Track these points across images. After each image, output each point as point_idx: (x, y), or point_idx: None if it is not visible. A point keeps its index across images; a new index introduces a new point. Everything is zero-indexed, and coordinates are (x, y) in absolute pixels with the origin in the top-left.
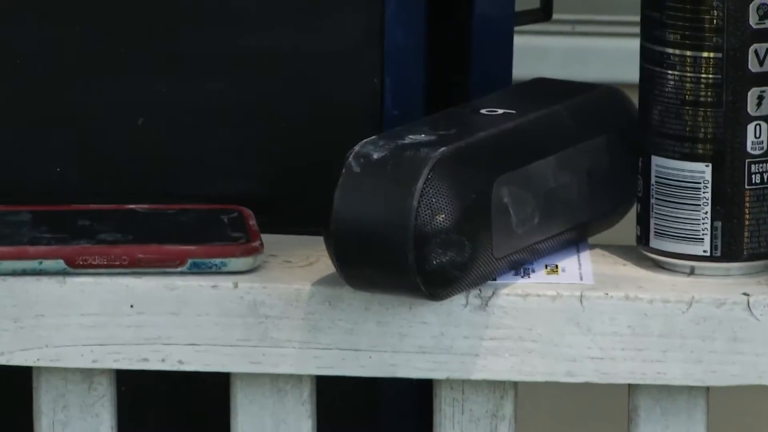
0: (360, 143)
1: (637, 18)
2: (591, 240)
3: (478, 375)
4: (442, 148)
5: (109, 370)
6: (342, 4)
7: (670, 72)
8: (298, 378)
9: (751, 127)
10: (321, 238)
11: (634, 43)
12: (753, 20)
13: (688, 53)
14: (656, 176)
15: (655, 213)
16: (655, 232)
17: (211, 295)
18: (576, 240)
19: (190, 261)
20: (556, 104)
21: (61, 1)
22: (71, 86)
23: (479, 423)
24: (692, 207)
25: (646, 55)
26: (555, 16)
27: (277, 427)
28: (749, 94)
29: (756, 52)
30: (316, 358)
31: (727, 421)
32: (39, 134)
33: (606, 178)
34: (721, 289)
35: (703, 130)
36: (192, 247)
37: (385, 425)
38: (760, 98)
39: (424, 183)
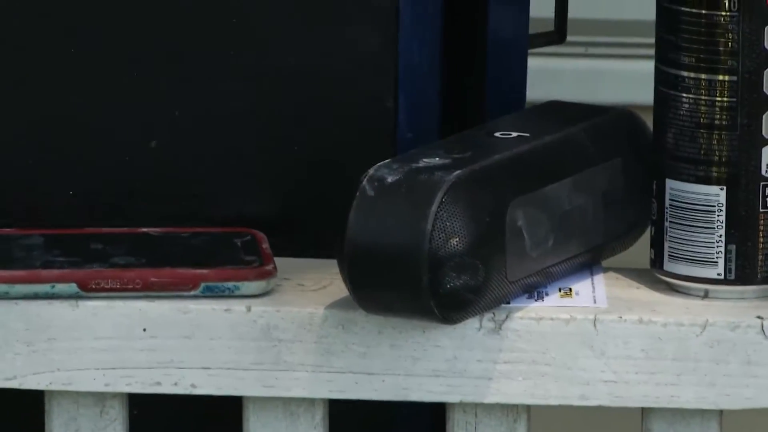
0: (374, 166)
1: (651, 40)
2: (605, 263)
3: (491, 398)
4: (457, 172)
5: (122, 394)
6: (355, 26)
7: (684, 95)
8: (310, 401)
9: (766, 150)
10: (334, 262)
11: (648, 66)
12: (766, 43)
13: (703, 76)
14: (670, 199)
15: (669, 236)
16: (669, 255)
17: (225, 318)
18: (590, 263)
19: (203, 284)
20: (570, 127)
21: (76, 23)
22: (84, 109)
23: None
24: (706, 230)
25: (660, 77)
26: (568, 39)
27: None
28: (764, 117)
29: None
30: (329, 382)
31: None
32: (51, 157)
33: (620, 201)
34: (735, 312)
35: (717, 153)
36: (205, 271)
37: None
38: None
39: (438, 206)
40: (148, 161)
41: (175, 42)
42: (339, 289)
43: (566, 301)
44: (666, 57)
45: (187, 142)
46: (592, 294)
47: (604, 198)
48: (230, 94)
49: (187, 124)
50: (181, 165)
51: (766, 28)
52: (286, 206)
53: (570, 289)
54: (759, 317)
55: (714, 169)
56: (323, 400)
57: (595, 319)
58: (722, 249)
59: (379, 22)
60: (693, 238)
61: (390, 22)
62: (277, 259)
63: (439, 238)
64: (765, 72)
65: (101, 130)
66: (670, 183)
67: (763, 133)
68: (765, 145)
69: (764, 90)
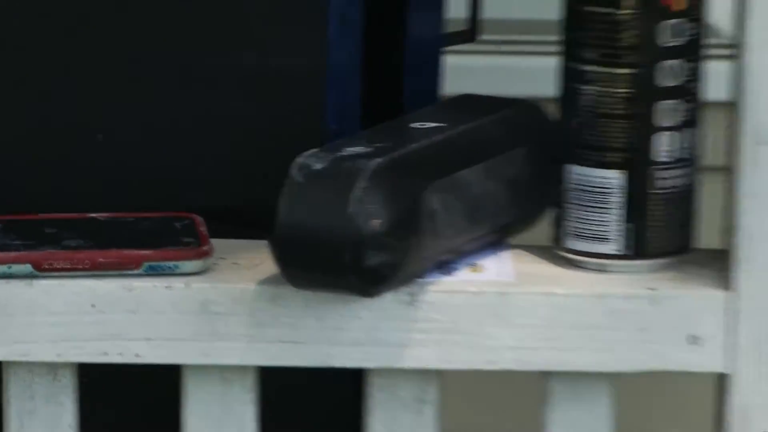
0: (302, 155)
1: (556, 38)
2: (512, 240)
3: (406, 364)
4: (378, 159)
5: (72, 364)
6: (287, 27)
7: (588, 87)
8: (243, 369)
9: (659, 137)
10: (266, 242)
11: (554, 61)
12: (663, 40)
13: (605, 70)
14: (573, 183)
15: (571, 216)
16: (570, 233)
17: (166, 294)
18: (498, 241)
19: (146, 264)
20: (481, 118)
21: (26, 19)
22: (36, 102)
23: (407, 407)
24: (605, 210)
25: (566, 72)
26: (482, 37)
27: (223, 413)
28: (658, 106)
29: (665, 68)
30: (260, 351)
31: (633, 405)
32: (7, 150)
33: (526, 184)
34: (630, 284)
35: (616, 140)
36: (148, 252)
37: (324, 411)
38: (668, 110)
39: (360, 191)
40: (96, 153)
41: (123, 39)
42: (270, 267)
43: (476, 276)
44: (572, 53)
45: (132, 135)
46: (499, 269)
47: (512, 182)
48: (169, 92)
49: (132, 119)
50: (126, 156)
51: (660, 25)
52: (222, 193)
53: (480, 265)
54: (650, 288)
55: (613, 154)
56: (255, 367)
57: (501, 292)
58: (618, 227)
59: (310, 25)
60: (593, 218)
61: (320, 26)
62: (214, 241)
63: (361, 220)
64: (660, 65)
65: (52, 123)
66: (573, 168)
67: (658, 121)
68: (659, 132)
69: (659, 82)
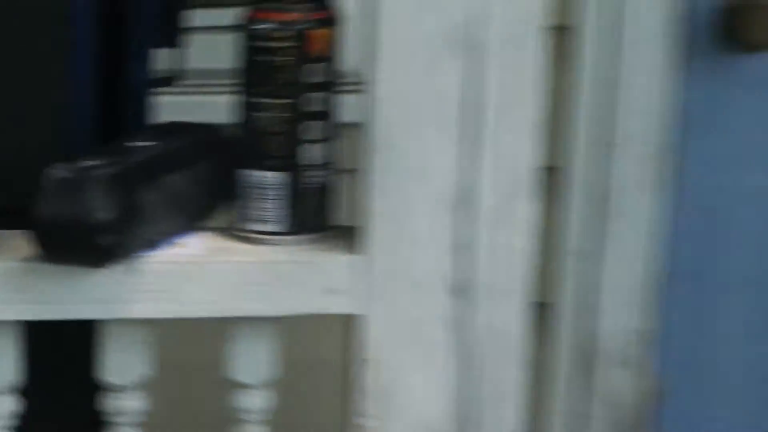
0: (52, 167)
1: (234, 80)
2: (205, 225)
3: (130, 315)
4: (107, 169)
5: None
6: (39, 80)
7: (257, 113)
8: (10, 323)
9: (306, 147)
10: (27, 232)
11: (232, 97)
12: (308, 78)
13: (269, 101)
14: (249, 182)
15: (249, 206)
16: (246, 218)
17: None
18: (195, 226)
19: None
20: (184, 137)
21: None
22: None
23: (130, 348)
24: (270, 200)
25: (243, 103)
26: (181, 82)
27: None
28: (304, 125)
29: (311, 98)
30: (23, 310)
31: (290, 343)
32: None
33: (215, 184)
34: (290, 253)
35: (277, 150)
36: None
37: (67, 353)
38: (314, 129)
39: (94, 192)
40: None
41: None
42: (30, 249)
43: (179, 251)
44: (246, 90)
45: None
46: (195, 245)
47: (204, 183)
48: None
49: None
50: None
51: (304, 68)
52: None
53: (182, 243)
54: (302, 255)
55: (275, 161)
56: (19, 321)
57: (197, 261)
58: (280, 212)
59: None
60: (262, 206)
61: (64, 80)
62: None
63: (95, 213)
64: (304, 97)
65: None
66: (249, 171)
67: (304, 136)
68: (305, 144)
69: (304, 108)
